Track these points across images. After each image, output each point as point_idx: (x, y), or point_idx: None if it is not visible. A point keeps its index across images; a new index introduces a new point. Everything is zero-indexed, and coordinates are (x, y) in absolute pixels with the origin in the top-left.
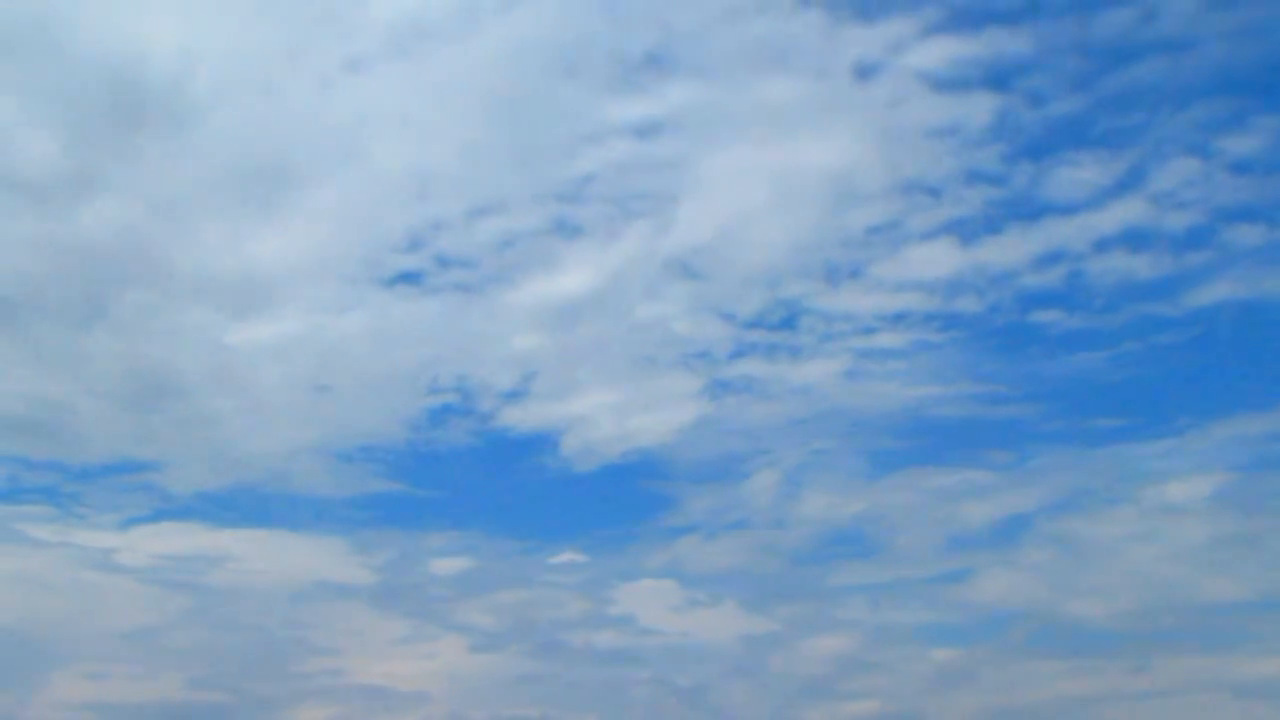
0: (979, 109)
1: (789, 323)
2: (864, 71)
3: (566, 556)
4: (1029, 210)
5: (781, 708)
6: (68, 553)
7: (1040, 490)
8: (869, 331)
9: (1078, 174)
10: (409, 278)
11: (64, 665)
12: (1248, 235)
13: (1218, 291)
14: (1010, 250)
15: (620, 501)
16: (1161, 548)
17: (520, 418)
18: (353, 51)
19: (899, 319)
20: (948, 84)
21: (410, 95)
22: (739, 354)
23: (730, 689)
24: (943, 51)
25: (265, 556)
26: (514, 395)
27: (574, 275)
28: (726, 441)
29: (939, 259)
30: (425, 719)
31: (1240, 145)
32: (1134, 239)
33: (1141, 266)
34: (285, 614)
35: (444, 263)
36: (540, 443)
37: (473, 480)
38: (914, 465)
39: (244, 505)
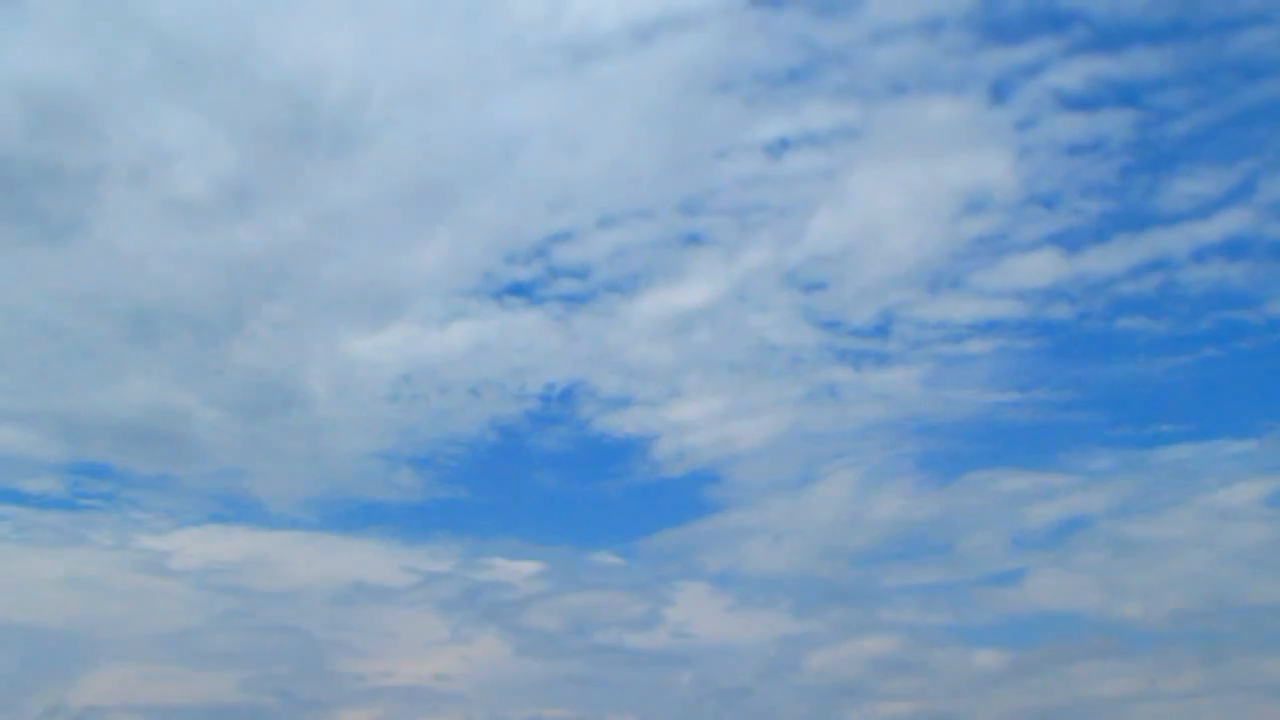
0: (1108, 125)
1: (882, 331)
2: (1001, 90)
3: (614, 559)
4: (1137, 221)
5: (820, 708)
6: (125, 555)
7: (1100, 493)
8: (957, 339)
9: (1191, 186)
10: (520, 289)
11: (114, 664)
12: None
13: None
14: (1111, 259)
15: (693, 506)
16: (1217, 551)
17: (617, 424)
18: (518, 67)
19: (989, 327)
20: (1082, 102)
21: (568, 110)
22: (831, 362)
23: (771, 690)
24: (1082, 71)
25: (318, 560)
26: (616, 402)
27: (693, 285)
28: (805, 447)
29: (1041, 268)
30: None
31: None
32: (1233, 248)
33: (1236, 275)
34: (342, 617)
35: (561, 273)
36: (632, 448)
37: (546, 485)
38: (981, 469)
39: (320, 511)
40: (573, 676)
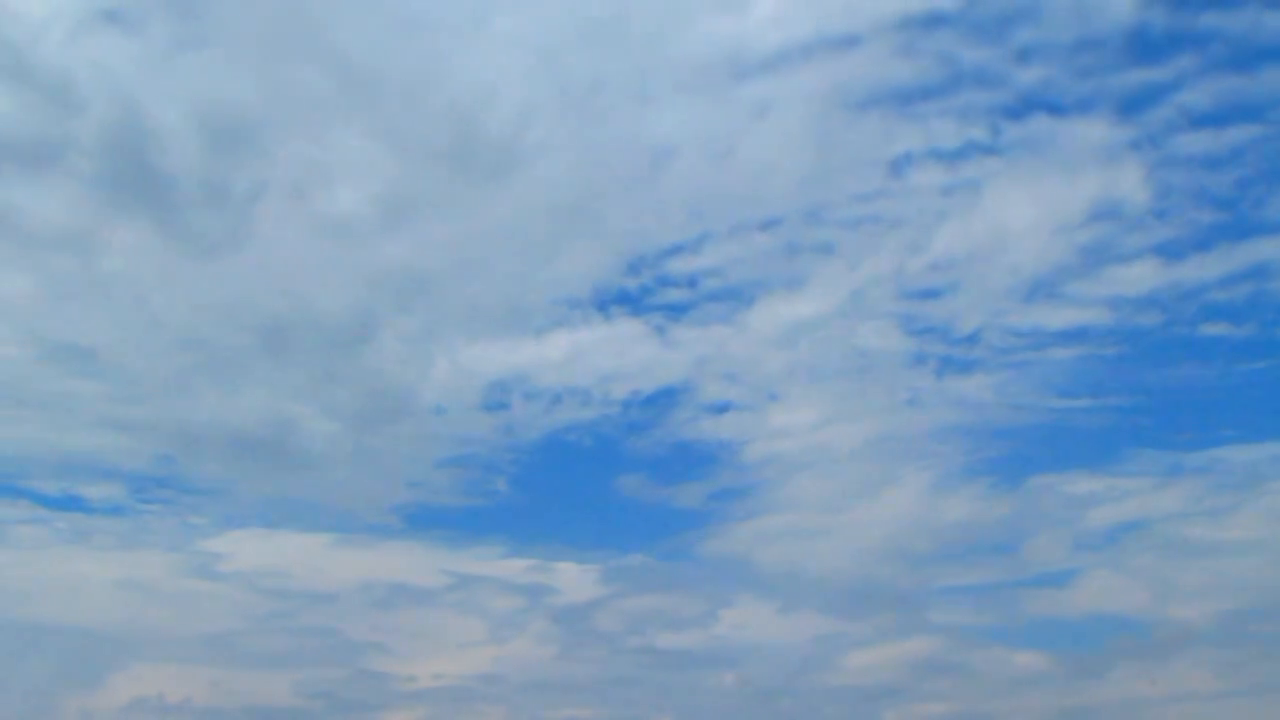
0: (1231, 140)
1: (973, 339)
2: (1131, 108)
3: (675, 562)
4: (1241, 230)
5: (863, 708)
6: (179, 558)
7: (1161, 496)
8: (1040, 346)
9: None
10: (627, 298)
11: (161, 664)
12: None
13: None
14: (1208, 267)
15: (763, 511)
16: (1273, 553)
17: (706, 430)
18: (676, 82)
19: (1075, 335)
20: (1209, 119)
21: (718, 125)
22: (918, 369)
23: (814, 690)
24: (1213, 89)
25: (379, 564)
26: (709, 409)
27: (807, 295)
28: (881, 452)
29: (1138, 277)
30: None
31: None
32: None
33: None
34: (398, 619)
35: (675, 283)
36: (716, 455)
37: (619, 490)
38: (1047, 473)
39: (399, 516)
40: (623, 678)
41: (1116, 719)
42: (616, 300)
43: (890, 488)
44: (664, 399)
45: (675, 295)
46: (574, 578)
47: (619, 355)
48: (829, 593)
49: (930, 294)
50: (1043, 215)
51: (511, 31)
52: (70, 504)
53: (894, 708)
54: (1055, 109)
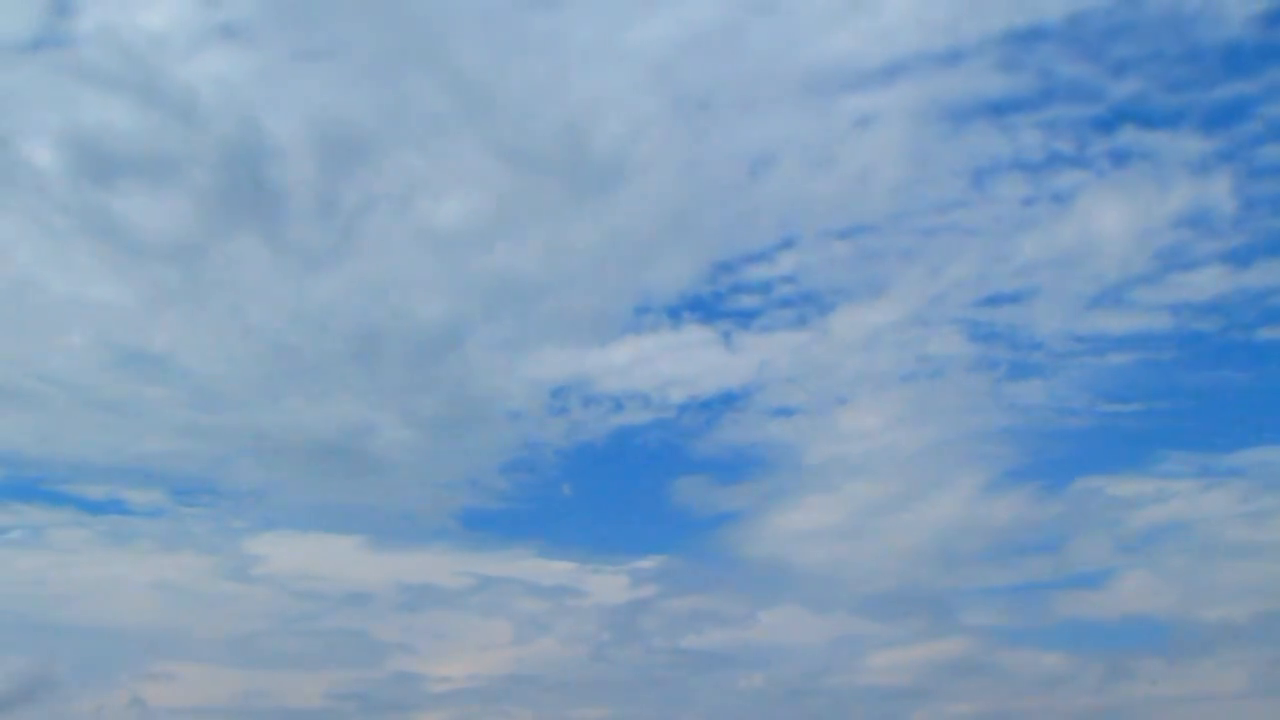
0: None
1: (1038, 345)
2: (1218, 121)
3: (713, 564)
4: None
5: (891, 709)
6: (216, 560)
7: (1202, 498)
8: (1100, 352)
9: None
10: (700, 305)
11: (195, 665)
12: None
13: None
14: (1275, 273)
15: (804, 515)
16: None
17: (767, 435)
18: (781, 91)
19: (1136, 340)
20: None
21: (818, 135)
22: (979, 375)
23: (844, 691)
24: None
25: (394, 568)
26: (772, 413)
27: (883, 301)
28: (933, 455)
29: (1204, 284)
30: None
31: None
32: None
33: None
34: (430, 621)
35: (754, 289)
36: (766, 459)
37: (666, 493)
38: (1092, 475)
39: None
40: (654, 679)
41: (1152, 718)
42: (690, 307)
43: (938, 491)
44: (723, 403)
45: (748, 302)
46: (610, 580)
47: (682, 361)
48: (868, 595)
49: (1002, 301)
50: (1122, 226)
51: (629, 46)
52: (112, 508)
53: (925, 707)
54: (1145, 122)
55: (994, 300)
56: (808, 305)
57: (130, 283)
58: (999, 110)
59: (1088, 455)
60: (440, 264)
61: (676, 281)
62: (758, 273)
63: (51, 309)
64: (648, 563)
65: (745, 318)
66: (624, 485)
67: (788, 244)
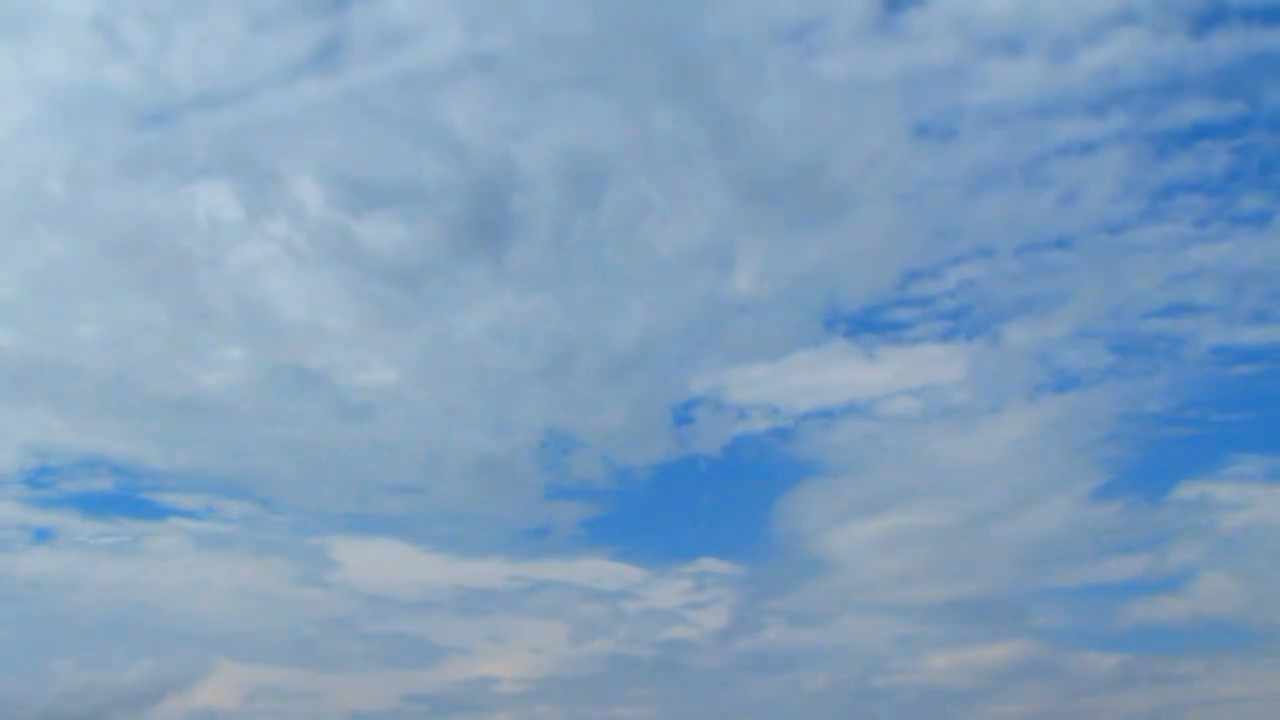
0: None
1: (1176, 357)
2: None
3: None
4: None
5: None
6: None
7: None
8: (1228, 364)
9: None
10: (853, 320)
11: (261, 668)
12: None
13: None
14: None
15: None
16: None
17: (872, 447)
18: (989, 122)
19: (1269, 351)
20: None
21: (1029, 154)
22: (1118, 384)
23: (902, 693)
24: None
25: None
26: (897, 420)
27: (1040, 316)
28: (1043, 462)
29: None
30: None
31: None
32: None
33: None
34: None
35: (915, 303)
36: (877, 468)
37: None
38: (1188, 479)
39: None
40: (721, 681)
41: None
42: (857, 322)
43: (1039, 495)
44: (844, 413)
45: (903, 315)
46: (674, 584)
47: (822, 372)
48: (945, 601)
49: (1157, 315)
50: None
51: (871, 80)
52: (207, 515)
53: (991, 708)
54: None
55: (1148, 315)
56: (962, 319)
57: (351, 301)
58: (1197, 134)
59: (1188, 460)
60: (649, 287)
61: (861, 298)
62: (923, 288)
63: (279, 332)
64: (722, 566)
65: (895, 330)
66: (724, 492)
67: (956, 260)
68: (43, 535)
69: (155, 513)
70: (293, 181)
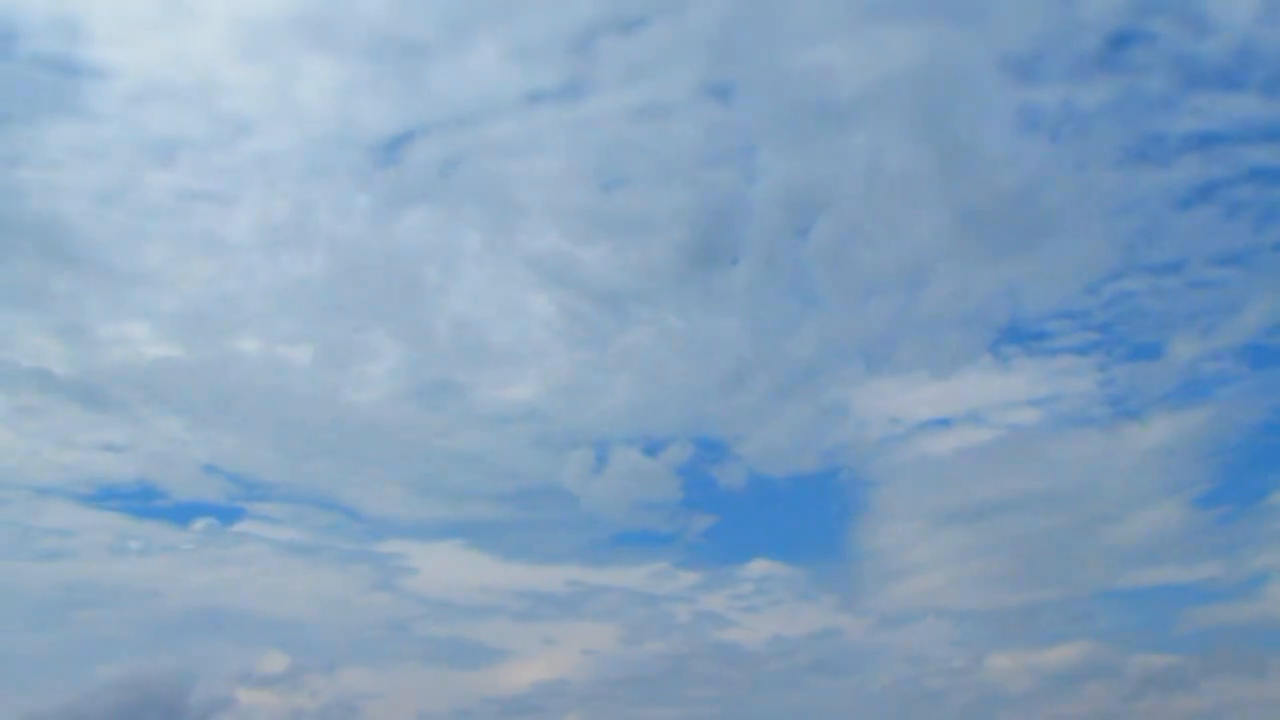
0: None
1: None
2: None
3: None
4: None
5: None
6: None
7: None
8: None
9: None
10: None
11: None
12: None
13: None
14: None
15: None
16: None
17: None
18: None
19: None
20: None
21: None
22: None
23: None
24: None
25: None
26: (999, 429)
27: (1188, 335)
28: (1144, 472)
29: None
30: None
31: None
32: None
33: None
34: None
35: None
36: (979, 478)
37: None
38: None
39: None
40: (777, 681)
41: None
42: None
43: (1146, 502)
44: (951, 424)
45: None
46: (730, 589)
47: (978, 390)
48: (1015, 602)
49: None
50: None
51: (1082, 111)
52: (294, 522)
53: (1060, 707)
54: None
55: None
56: (1109, 332)
57: (559, 325)
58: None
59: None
60: (836, 307)
61: (1035, 318)
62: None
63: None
64: (783, 570)
65: (1037, 340)
66: (809, 500)
67: (1116, 276)
68: (144, 542)
69: (245, 518)
70: (530, 211)
